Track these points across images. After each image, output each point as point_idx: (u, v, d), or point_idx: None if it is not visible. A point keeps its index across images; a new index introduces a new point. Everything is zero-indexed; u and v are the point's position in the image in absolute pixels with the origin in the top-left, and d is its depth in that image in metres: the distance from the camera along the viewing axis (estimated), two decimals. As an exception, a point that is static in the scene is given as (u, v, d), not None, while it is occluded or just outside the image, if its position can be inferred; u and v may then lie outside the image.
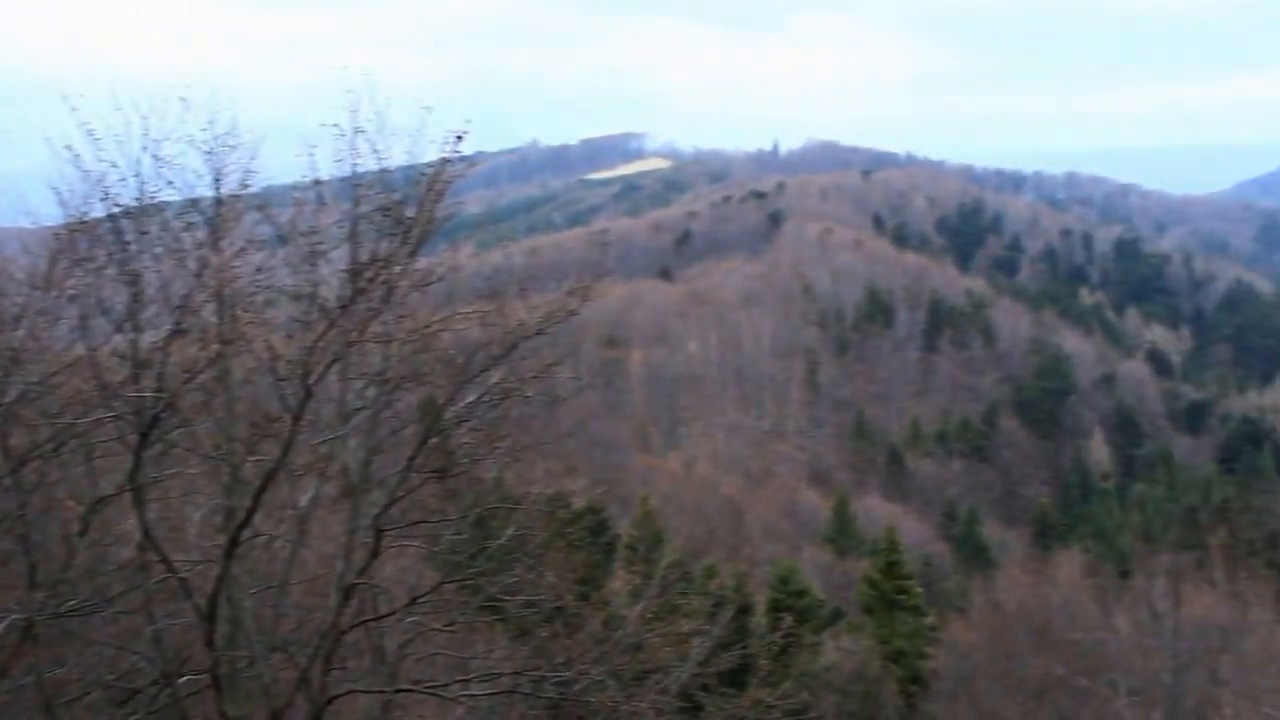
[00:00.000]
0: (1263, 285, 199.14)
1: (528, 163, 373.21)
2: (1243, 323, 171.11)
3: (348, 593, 12.38)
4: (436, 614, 13.47)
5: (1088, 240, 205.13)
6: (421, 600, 13.05)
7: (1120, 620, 33.67)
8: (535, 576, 13.09)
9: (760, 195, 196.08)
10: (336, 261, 12.57)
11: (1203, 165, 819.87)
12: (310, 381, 11.50)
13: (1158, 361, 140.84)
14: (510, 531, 13.21)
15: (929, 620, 41.14)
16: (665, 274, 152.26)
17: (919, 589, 41.82)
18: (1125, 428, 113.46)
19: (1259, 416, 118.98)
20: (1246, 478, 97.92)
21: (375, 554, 12.31)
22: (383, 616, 13.16)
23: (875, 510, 73.72)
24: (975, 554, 71.83)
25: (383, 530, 12.22)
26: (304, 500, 12.66)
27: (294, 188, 13.00)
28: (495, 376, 12.43)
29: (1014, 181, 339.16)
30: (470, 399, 12.44)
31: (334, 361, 11.88)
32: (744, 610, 32.12)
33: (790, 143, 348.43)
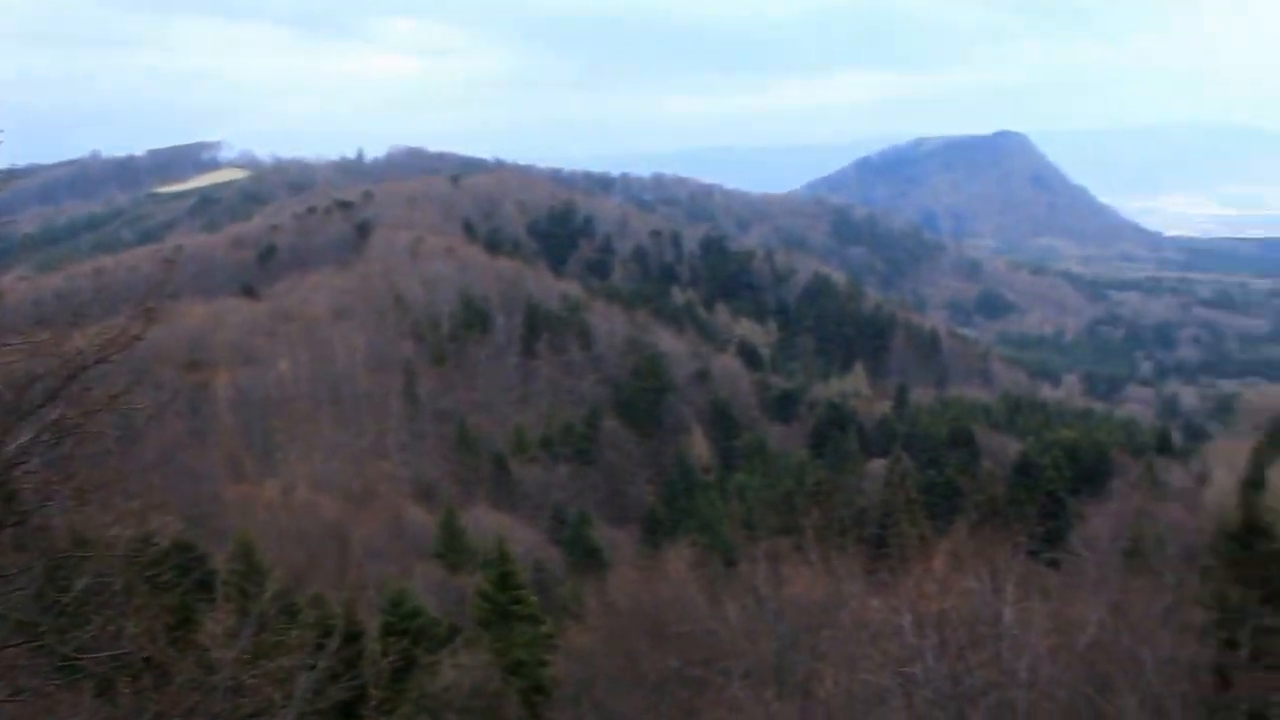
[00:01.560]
0: (838, 277, 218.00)
1: (89, 176, 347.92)
2: (822, 313, 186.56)
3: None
4: (2, 682, 12.26)
5: (676, 240, 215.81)
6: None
7: (729, 608, 35.67)
8: (116, 628, 12.21)
9: (346, 205, 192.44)
10: None
11: (778, 165, 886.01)
12: None
13: (748, 355, 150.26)
14: (86, 581, 12.25)
15: (546, 628, 41.90)
16: (249, 291, 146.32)
17: (534, 597, 42.55)
18: (722, 421, 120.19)
19: (842, 402, 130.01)
20: (835, 460, 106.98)
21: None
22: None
23: (484, 521, 74.25)
24: (587, 556, 73.84)
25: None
26: None
27: None
28: (55, 412, 11.49)
29: (603, 184, 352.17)
30: (26, 438, 11.43)
31: None
32: (354, 638, 31.41)
33: (375, 150, 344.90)
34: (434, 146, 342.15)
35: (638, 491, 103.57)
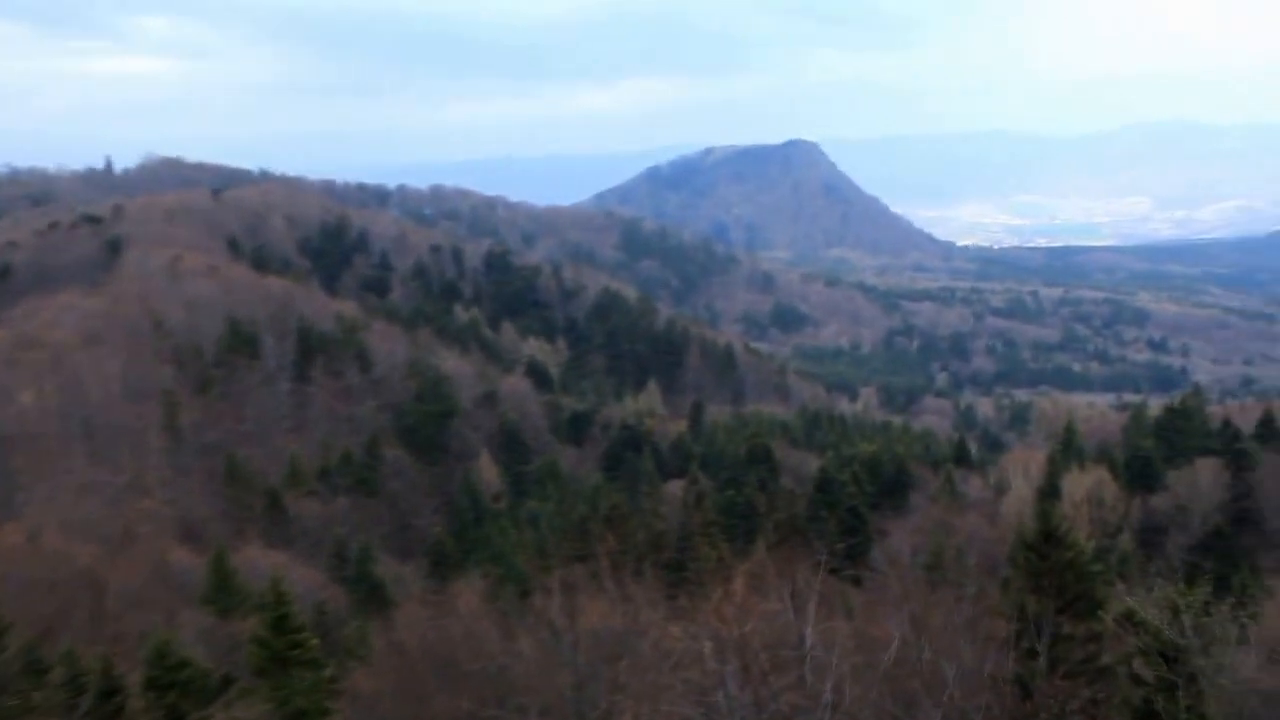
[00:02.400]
0: (629, 292, 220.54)
1: None
2: (613, 331, 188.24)
3: None
4: None
5: (458, 255, 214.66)
6: None
7: (523, 642, 35.56)
8: None
9: (95, 220, 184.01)
10: None
11: (565, 176, 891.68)
12: None
13: (537, 375, 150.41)
14: None
15: (329, 672, 40.94)
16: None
17: (314, 640, 41.48)
18: (511, 445, 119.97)
19: (636, 422, 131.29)
20: (630, 483, 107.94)
21: None
22: None
23: (258, 561, 72.03)
24: (371, 594, 72.61)
25: None
26: None
27: None
28: None
29: (379, 197, 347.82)
30: None
31: None
32: (111, 695, 30.08)
33: (126, 160, 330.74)
34: (193, 156, 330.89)
35: (424, 523, 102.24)
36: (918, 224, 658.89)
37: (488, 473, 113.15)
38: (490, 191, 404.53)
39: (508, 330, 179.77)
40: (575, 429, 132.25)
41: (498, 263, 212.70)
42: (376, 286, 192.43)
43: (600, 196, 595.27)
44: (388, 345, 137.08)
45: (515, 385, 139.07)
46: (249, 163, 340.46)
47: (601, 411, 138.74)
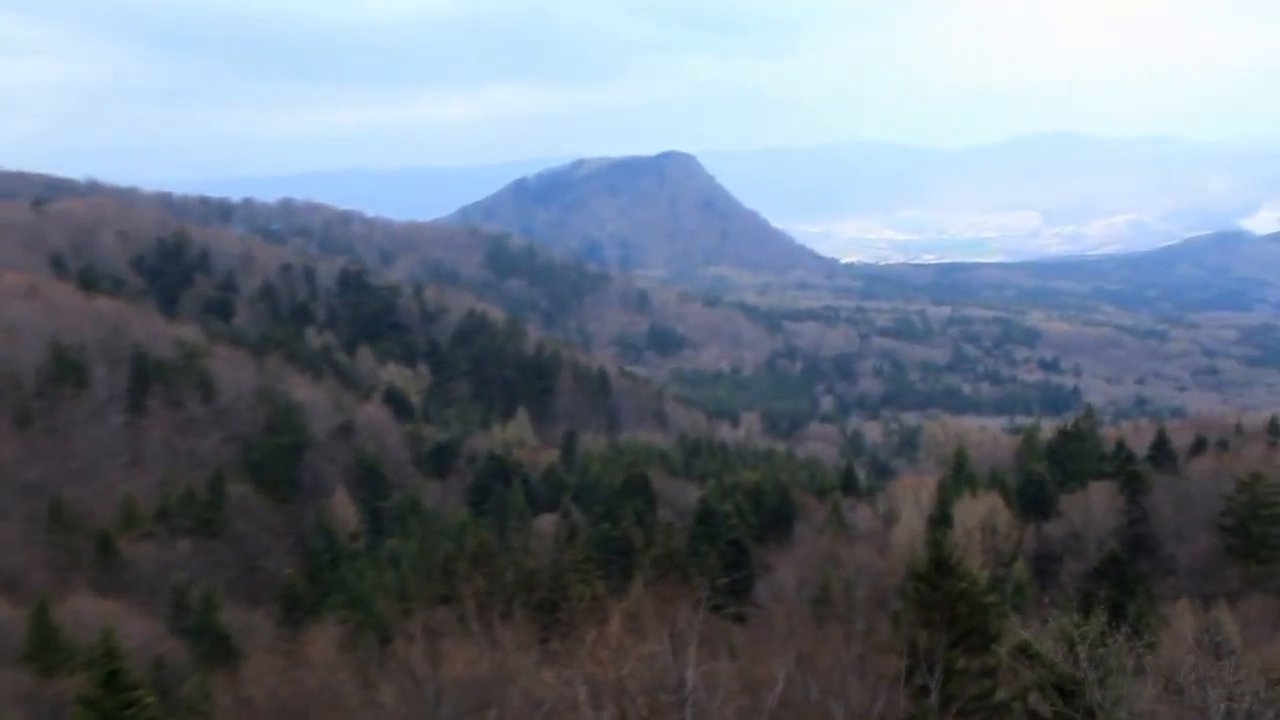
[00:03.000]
0: (495, 314, 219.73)
1: None
2: (479, 355, 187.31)
3: None
4: None
5: (310, 274, 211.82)
6: None
7: (384, 692, 35.09)
8: None
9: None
10: None
11: (426, 189, 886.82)
12: None
13: (397, 403, 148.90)
14: None
15: (166, 734, 39.87)
16: None
17: (151, 698, 40.28)
18: (370, 480, 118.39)
19: (505, 453, 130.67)
20: (499, 518, 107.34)
21: None
22: None
23: (87, 612, 69.83)
24: (216, 646, 70.92)
25: None
26: None
27: None
28: None
29: (222, 211, 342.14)
30: None
31: None
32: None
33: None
34: (11, 164, 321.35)
35: (274, 565, 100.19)
36: (800, 240, 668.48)
37: (344, 510, 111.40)
38: (345, 205, 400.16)
39: (365, 355, 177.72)
40: (439, 461, 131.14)
41: (353, 282, 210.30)
42: (220, 309, 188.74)
43: (464, 211, 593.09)
44: (233, 372, 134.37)
45: (373, 414, 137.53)
46: (75, 172, 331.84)
47: (467, 442, 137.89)
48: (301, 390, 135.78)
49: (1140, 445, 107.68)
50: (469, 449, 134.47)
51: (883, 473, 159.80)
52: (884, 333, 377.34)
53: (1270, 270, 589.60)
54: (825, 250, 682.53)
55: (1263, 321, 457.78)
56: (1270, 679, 26.60)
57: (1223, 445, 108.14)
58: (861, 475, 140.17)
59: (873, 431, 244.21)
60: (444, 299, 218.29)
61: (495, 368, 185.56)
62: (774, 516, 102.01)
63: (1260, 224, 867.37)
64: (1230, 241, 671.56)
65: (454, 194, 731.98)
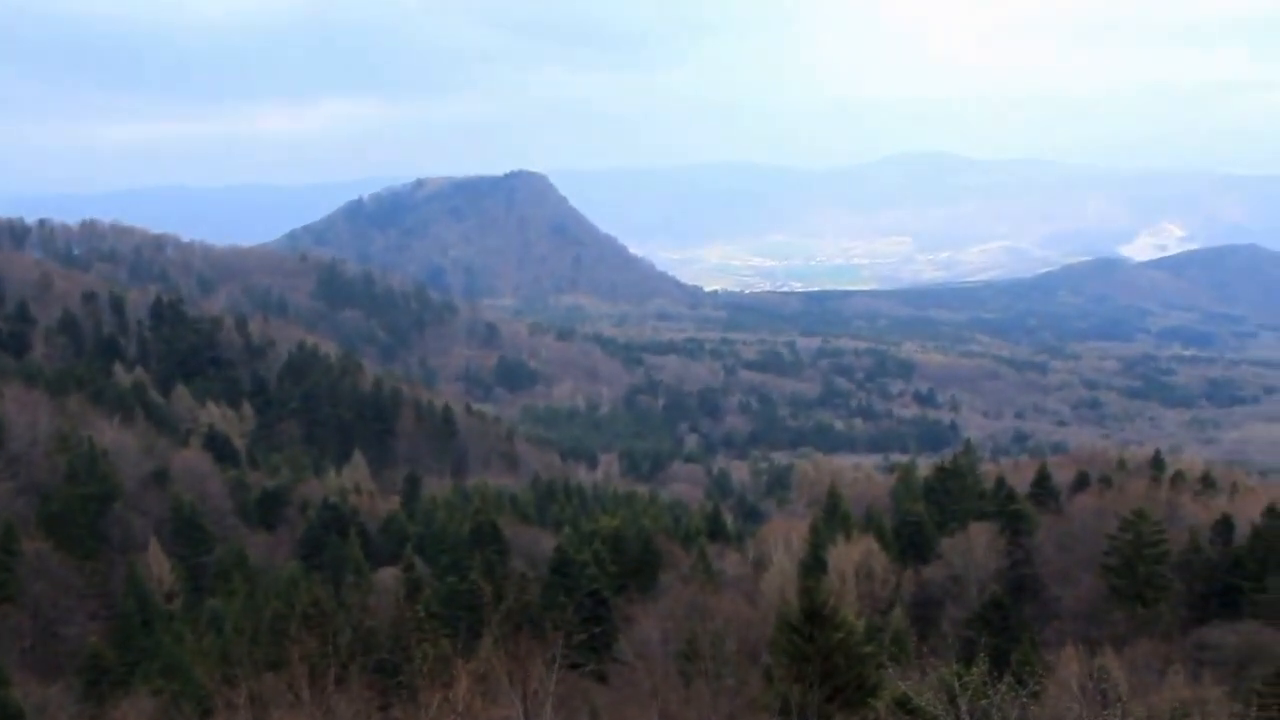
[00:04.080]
0: (329, 348, 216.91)
1: None
2: (310, 392, 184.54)
3: None
4: None
5: (118, 305, 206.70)
6: None
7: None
8: None
9: None
10: None
11: (250, 210, 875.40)
12: None
13: (218, 447, 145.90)
14: None
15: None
16: None
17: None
18: (188, 532, 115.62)
19: (340, 500, 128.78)
20: (334, 572, 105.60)
21: None
22: None
23: None
24: (7, 726, 68.55)
25: None
26: None
27: None
28: None
29: (14, 234, 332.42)
30: None
31: None
32: None
33: None
34: None
35: (76, 632, 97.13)
36: (661, 267, 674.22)
37: (158, 567, 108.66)
38: (158, 228, 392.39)
39: (181, 394, 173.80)
40: (266, 510, 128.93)
41: (168, 313, 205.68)
42: (12, 343, 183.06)
43: (293, 235, 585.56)
44: (27, 415, 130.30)
45: (191, 460, 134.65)
46: None
47: (297, 489, 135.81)
48: (108, 434, 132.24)
49: (1021, 482, 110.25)
50: (300, 497, 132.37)
51: (751, 515, 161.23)
52: (751, 366, 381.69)
53: (1150, 298, 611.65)
54: (687, 278, 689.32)
55: (1143, 351, 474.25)
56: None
57: (1106, 481, 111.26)
58: (729, 519, 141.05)
59: (740, 471, 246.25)
60: (271, 331, 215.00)
61: (329, 407, 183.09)
62: (636, 565, 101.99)
63: (1138, 250, 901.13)
64: (1109, 268, 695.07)
65: (282, 216, 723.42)
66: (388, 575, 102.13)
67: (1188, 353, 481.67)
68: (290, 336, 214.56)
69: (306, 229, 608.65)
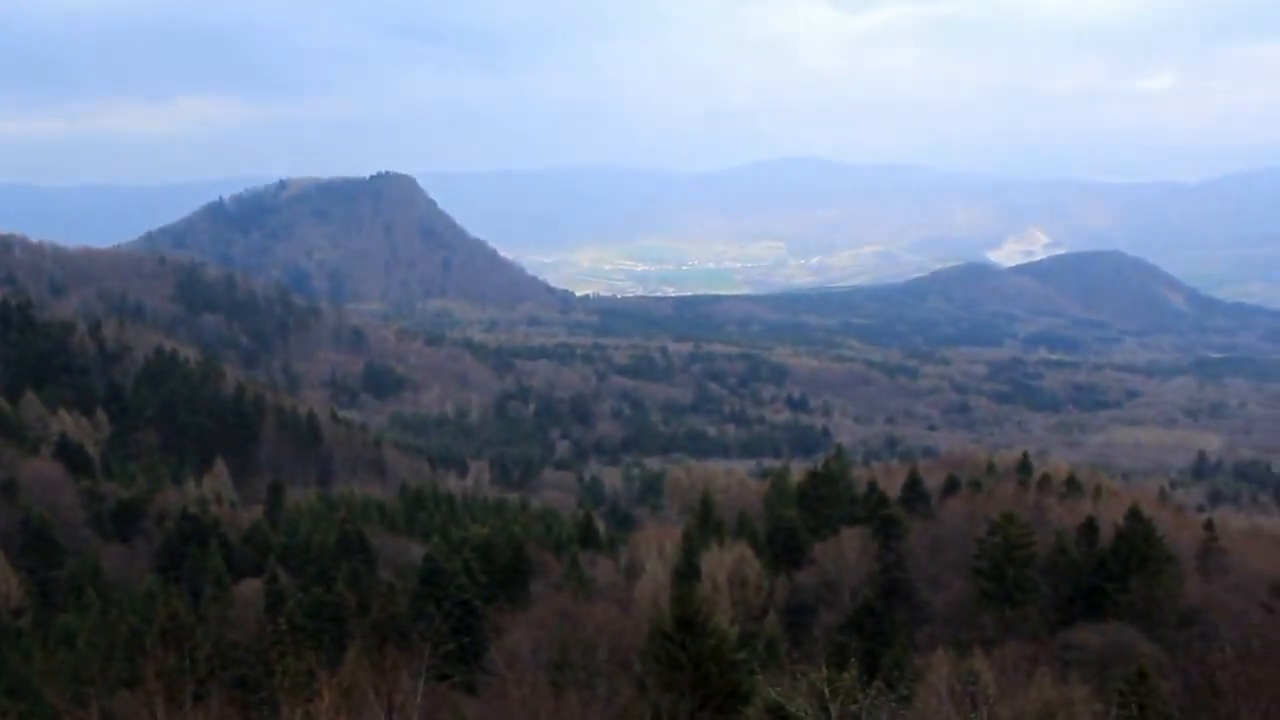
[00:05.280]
0: (188, 353, 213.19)
1: None
2: (169, 400, 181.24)
3: None
4: None
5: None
6: None
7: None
8: None
9: None
10: None
11: (104, 210, 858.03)
12: None
13: (71, 456, 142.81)
14: None
15: None
16: None
17: None
18: (38, 545, 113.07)
19: (200, 510, 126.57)
20: (194, 585, 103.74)
21: None
22: None
23: None
24: None
25: None
26: None
27: None
28: None
29: None
30: None
31: None
32: None
33: None
34: None
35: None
36: (531, 271, 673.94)
37: (5, 582, 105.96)
38: (3, 228, 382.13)
39: (31, 402, 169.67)
40: (122, 522, 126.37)
41: (15, 318, 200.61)
42: None
43: (150, 237, 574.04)
44: None
45: (41, 470, 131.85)
46: None
47: (155, 499, 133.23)
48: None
49: (892, 487, 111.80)
50: (158, 507, 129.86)
51: (624, 523, 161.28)
52: (623, 371, 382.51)
53: (1016, 303, 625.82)
54: (559, 282, 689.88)
55: (1011, 356, 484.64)
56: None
57: (975, 485, 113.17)
58: (601, 526, 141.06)
59: (612, 478, 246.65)
60: (127, 336, 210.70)
61: (188, 414, 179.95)
62: (507, 574, 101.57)
63: (1005, 255, 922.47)
64: (978, 274, 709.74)
65: (139, 217, 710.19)
66: (250, 587, 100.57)
67: (1054, 357, 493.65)
68: (147, 341, 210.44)
69: (164, 230, 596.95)
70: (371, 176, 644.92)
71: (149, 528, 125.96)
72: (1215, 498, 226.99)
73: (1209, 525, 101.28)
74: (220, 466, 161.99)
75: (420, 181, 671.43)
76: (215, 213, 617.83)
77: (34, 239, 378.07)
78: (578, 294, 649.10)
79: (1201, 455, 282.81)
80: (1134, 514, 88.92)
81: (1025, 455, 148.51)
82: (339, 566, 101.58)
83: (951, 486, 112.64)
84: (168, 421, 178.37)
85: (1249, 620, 72.04)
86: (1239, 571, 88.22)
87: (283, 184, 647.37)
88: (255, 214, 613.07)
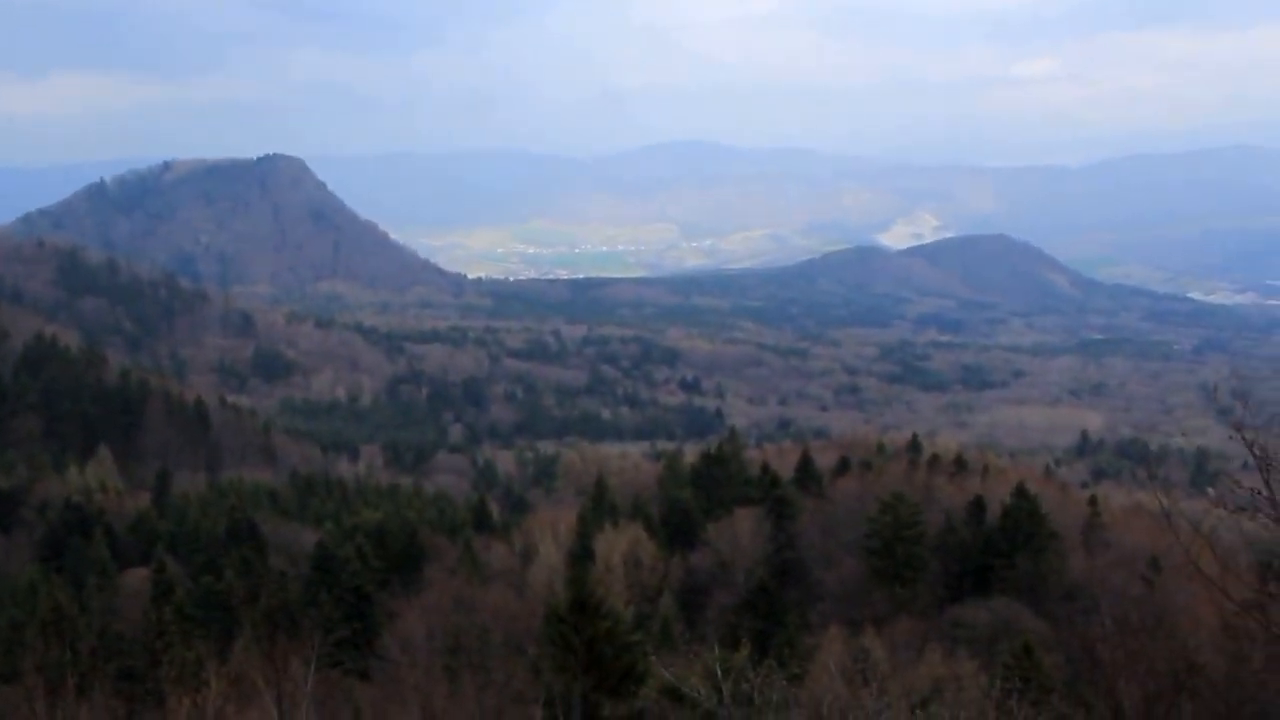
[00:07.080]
0: (69, 338, 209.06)
1: None
2: (50, 386, 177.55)
3: None
4: None
5: None
6: None
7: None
8: None
9: None
10: None
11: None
12: None
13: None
14: None
15: None
16: None
17: None
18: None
19: (84, 499, 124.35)
20: (77, 575, 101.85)
21: None
22: None
23: None
24: None
25: None
26: None
27: None
28: None
29: None
30: None
31: None
32: None
33: None
34: None
35: None
36: (423, 254, 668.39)
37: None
38: None
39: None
40: (1, 511, 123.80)
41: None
42: None
43: (28, 220, 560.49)
44: None
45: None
46: None
47: (36, 487, 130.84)
48: None
49: (785, 468, 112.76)
50: (39, 496, 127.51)
51: (518, 506, 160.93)
52: (516, 354, 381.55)
53: (905, 286, 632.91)
54: (450, 265, 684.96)
55: (900, 338, 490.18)
56: (913, 703, 27.96)
57: (866, 465, 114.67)
58: (495, 510, 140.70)
59: (506, 461, 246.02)
60: (4, 321, 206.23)
61: (70, 401, 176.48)
62: (400, 559, 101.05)
63: (894, 238, 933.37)
64: (867, 256, 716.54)
65: (15, 198, 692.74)
66: (136, 577, 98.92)
67: (943, 338, 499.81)
68: (27, 327, 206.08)
69: (43, 213, 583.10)
70: (259, 158, 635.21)
71: (30, 517, 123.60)
72: (1098, 474, 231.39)
73: (1092, 501, 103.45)
74: (104, 454, 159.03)
75: (311, 165, 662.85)
76: (96, 194, 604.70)
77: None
78: (470, 277, 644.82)
79: (1084, 434, 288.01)
80: (1020, 492, 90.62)
81: (915, 435, 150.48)
82: (228, 554, 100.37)
83: (843, 467, 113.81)
84: (49, 409, 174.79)
85: (1129, 594, 73.78)
86: (1120, 547, 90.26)
87: (167, 165, 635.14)
88: (138, 196, 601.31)
